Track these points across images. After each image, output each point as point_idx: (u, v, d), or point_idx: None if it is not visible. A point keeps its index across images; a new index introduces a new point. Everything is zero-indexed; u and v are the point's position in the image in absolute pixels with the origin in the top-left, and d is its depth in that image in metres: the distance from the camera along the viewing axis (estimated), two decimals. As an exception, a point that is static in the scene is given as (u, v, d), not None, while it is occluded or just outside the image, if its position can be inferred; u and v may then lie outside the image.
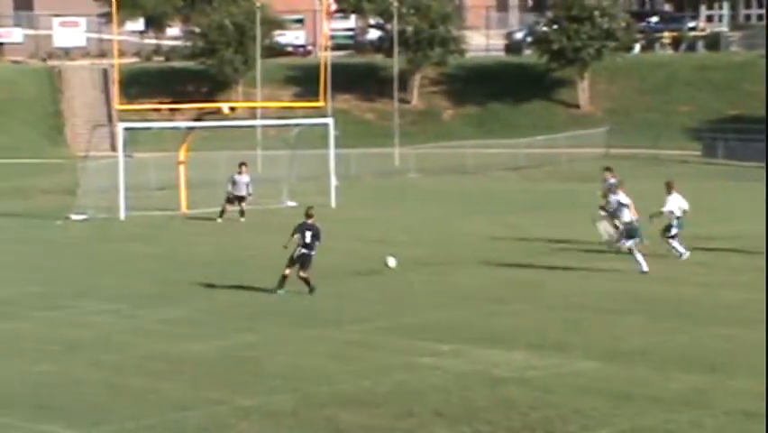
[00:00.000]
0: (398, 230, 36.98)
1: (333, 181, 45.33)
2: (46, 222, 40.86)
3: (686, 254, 29.01)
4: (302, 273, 25.14)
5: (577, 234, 34.69)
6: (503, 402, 16.33)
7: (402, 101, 75.36)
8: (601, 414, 15.77)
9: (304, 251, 25.22)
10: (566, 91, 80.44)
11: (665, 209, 29.42)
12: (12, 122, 76.72)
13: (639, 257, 27.13)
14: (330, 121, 47.07)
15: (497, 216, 39.26)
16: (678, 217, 29.63)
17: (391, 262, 26.75)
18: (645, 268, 26.92)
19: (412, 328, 21.32)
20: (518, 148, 65.31)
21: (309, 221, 25.69)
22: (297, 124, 48.75)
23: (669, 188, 29.90)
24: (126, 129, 45.22)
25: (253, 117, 63.99)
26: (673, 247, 29.38)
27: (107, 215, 41.43)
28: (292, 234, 25.49)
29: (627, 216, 27.86)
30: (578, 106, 79.43)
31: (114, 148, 60.54)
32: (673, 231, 29.47)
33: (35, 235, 37.36)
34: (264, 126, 58.80)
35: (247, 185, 40.26)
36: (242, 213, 40.13)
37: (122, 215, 40.99)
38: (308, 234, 25.42)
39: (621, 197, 28.61)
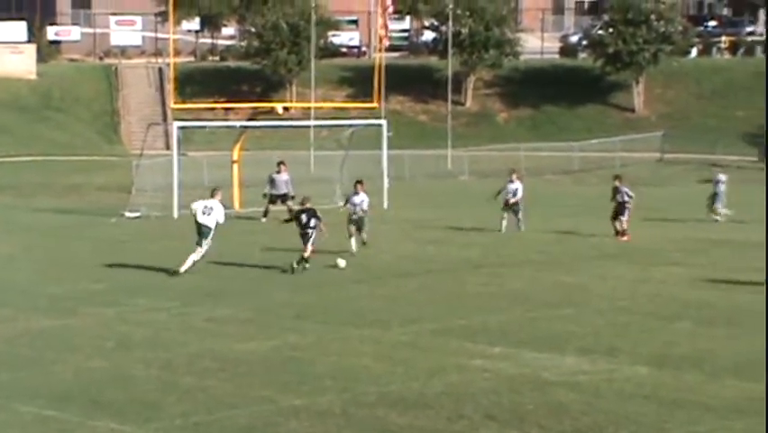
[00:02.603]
0: (450, 231, 36.98)
1: (386, 182, 45.37)
2: (101, 219, 41.19)
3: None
4: (307, 253, 28.49)
5: (626, 242, 34.53)
6: (553, 406, 16.29)
7: (456, 103, 75.32)
8: (652, 420, 15.69)
9: (302, 231, 28.76)
10: (621, 95, 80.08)
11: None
12: (69, 119, 77.41)
13: None
14: (383, 122, 47.11)
15: (549, 220, 39.15)
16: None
17: (341, 263, 28.83)
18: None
19: (462, 330, 21.31)
20: (572, 151, 65.08)
21: (306, 206, 29.26)
22: (350, 125, 48.84)
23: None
24: (181, 128, 45.53)
25: (307, 118, 64.18)
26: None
27: (161, 213, 41.69)
28: (289, 220, 29.91)
29: None
30: (633, 110, 79.05)
31: (168, 146, 60.94)
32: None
33: (90, 232, 37.67)
34: (317, 127, 58.94)
35: (286, 183, 40.01)
36: (265, 213, 39.79)
37: (175, 213, 41.22)
38: (304, 217, 28.93)
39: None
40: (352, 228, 31.53)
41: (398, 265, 29.66)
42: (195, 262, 28.29)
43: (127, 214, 41.94)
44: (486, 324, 21.92)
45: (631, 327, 21.76)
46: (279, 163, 40.49)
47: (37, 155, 66.87)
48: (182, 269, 28.04)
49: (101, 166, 63.72)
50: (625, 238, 34.77)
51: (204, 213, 28.95)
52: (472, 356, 19.15)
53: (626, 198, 35.18)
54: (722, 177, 41.02)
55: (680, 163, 58.77)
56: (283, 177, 39.88)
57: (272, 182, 39.96)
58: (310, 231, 28.70)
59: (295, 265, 28.27)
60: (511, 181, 37.08)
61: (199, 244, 28.58)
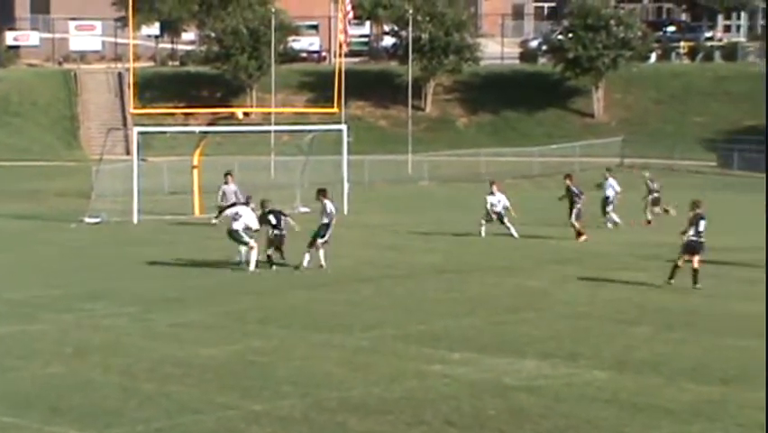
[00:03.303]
0: (411, 237, 37.04)
1: (346, 187, 45.41)
2: (60, 224, 41.02)
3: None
4: (273, 251, 29.59)
5: (586, 244, 34.73)
6: (514, 411, 16.35)
7: (416, 108, 75.47)
8: (612, 424, 15.78)
9: (276, 231, 29.75)
10: (581, 100, 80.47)
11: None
12: (27, 125, 77.00)
13: None
14: (344, 127, 47.16)
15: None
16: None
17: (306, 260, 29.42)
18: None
19: (423, 336, 21.35)
20: (532, 156, 65.34)
21: (268, 208, 30.11)
22: (310, 130, 48.85)
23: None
24: (140, 133, 45.39)
25: (267, 123, 64.12)
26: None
27: (121, 218, 41.57)
28: (260, 224, 29.73)
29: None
30: (592, 116, 79.45)
31: (128, 152, 60.74)
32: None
33: (49, 238, 37.49)
34: (278, 132, 58.91)
35: (235, 193, 38.98)
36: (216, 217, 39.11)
37: (135, 218, 41.11)
38: (272, 217, 29.86)
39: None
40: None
41: (359, 270, 29.69)
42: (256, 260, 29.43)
43: (87, 219, 41.77)
44: (447, 329, 21.97)
45: (591, 331, 21.87)
46: (227, 174, 39.67)
47: (-5, 160, 66.47)
48: (250, 269, 29.18)
49: (60, 171, 63.42)
50: (583, 238, 35.26)
51: (234, 219, 30.01)
52: (432, 362, 19.19)
53: (576, 197, 35.83)
54: (612, 181, 39.89)
55: (639, 168, 59.07)
56: (231, 187, 38.91)
57: (223, 194, 39.10)
58: (283, 231, 29.67)
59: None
60: (491, 193, 36.77)
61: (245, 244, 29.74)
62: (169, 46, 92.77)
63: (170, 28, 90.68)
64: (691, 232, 26.46)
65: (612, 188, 39.89)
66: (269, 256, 29.68)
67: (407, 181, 60.75)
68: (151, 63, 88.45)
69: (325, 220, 29.93)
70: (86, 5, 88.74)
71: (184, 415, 16.18)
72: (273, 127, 59.03)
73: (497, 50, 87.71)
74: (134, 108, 55.91)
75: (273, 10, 75.15)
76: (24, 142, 73.62)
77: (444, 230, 38.22)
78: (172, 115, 71.04)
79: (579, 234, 35.70)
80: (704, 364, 19.08)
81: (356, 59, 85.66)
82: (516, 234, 36.03)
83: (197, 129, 53.43)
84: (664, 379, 18.07)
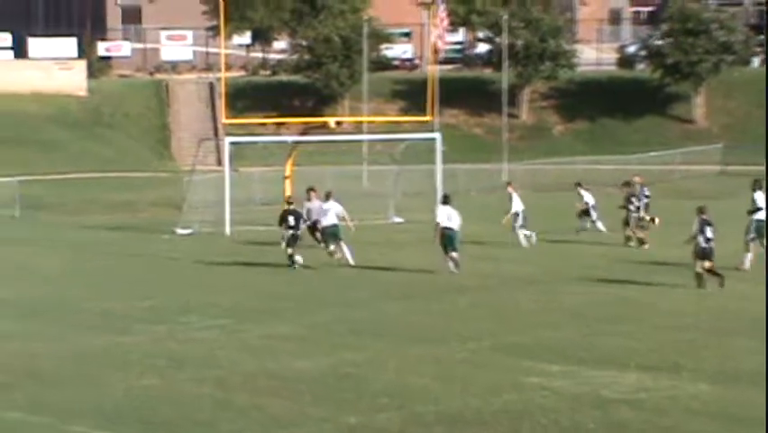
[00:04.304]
0: (506, 247, 36.88)
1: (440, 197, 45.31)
2: (152, 236, 41.44)
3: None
4: (289, 251, 31.64)
5: (687, 253, 34.27)
6: (614, 425, 16.19)
7: (511, 116, 75.16)
8: (715, 438, 15.57)
9: (292, 232, 31.69)
10: (680, 106, 79.61)
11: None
12: (119, 136, 77.98)
13: None
14: (437, 136, 47.08)
15: (607, 234, 38.92)
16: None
17: None
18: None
19: (520, 348, 21.23)
20: (630, 164, 64.71)
21: (291, 207, 32.48)
22: (403, 139, 48.85)
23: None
24: (232, 143, 45.71)
25: (359, 132, 64.24)
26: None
27: (212, 229, 41.89)
28: (279, 224, 32.01)
29: None
30: (692, 122, 78.56)
31: (219, 162, 61.11)
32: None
33: (142, 249, 37.88)
34: (370, 141, 58.99)
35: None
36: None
37: (227, 230, 41.40)
38: (291, 219, 31.88)
39: None
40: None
41: (453, 281, 29.61)
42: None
43: (179, 231, 42.15)
44: (544, 341, 21.83)
45: (695, 342, 21.60)
46: (309, 190, 36.22)
47: (87, 172, 67.39)
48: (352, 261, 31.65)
49: (152, 182, 64.10)
50: (646, 246, 35.90)
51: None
52: (530, 374, 19.07)
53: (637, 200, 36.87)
54: (586, 194, 40.38)
55: (742, 175, 58.18)
56: (315, 204, 35.26)
57: (308, 212, 35.21)
58: (299, 232, 31.85)
59: (296, 266, 31.30)
60: (510, 194, 37.91)
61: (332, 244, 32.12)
62: (260, 55, 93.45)
63: (262, 37, 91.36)
64: (701, 238, 27.50)
65: (588, 197, 40.54)
66: (290, 256, 31.65)
67: (502, 190, 60.44)
68: (243, 73, 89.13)
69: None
70: (177, 15, 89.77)
71: (278, 428, 16.24)
72: (365, 136, 59.12)
73: (593, 56, 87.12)
74: (226, 118, 56.30)
75: (365, 18, 75.40)
76: (116, 154, 74.56)
77: (539, 239, 37.97)
78: (264, 124, 71.43)
79: (641, 241, 36.31)
80: (812, 378, 18.72)
81: (449, 67, 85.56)
82: (533, 241, 36.48)
83: (289, 139, 53.70)
84: (770, 392, 17.78)
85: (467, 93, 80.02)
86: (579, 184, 42.13)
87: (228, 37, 76.04)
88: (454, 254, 30.77)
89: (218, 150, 67.82)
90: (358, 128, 67.32)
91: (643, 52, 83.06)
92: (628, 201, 37.29)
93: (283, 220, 32.05)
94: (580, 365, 19.67)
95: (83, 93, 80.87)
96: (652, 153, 66.59)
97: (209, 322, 24.22)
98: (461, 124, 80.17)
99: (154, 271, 33.11)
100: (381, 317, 24.69)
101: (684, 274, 30.17)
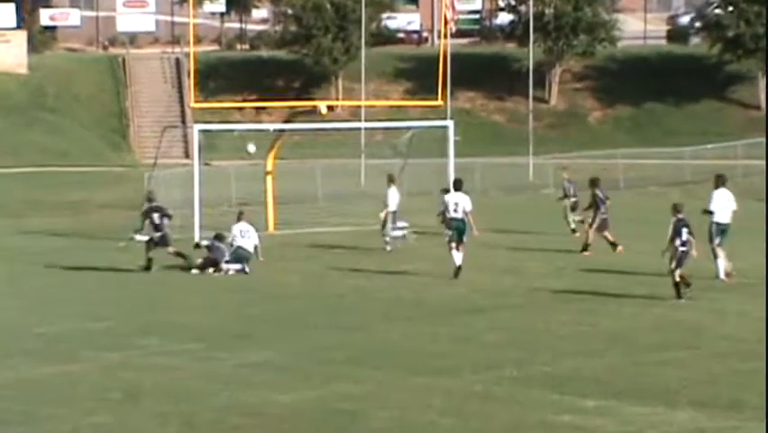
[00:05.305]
0: (532, 257, 36.93)
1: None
2: (105, 243, 41.48)
3: None
4: (170, 250, 34.30)
5: (754, 266, 34.33)
6: (660, 472, 16.23)
7: (538, 100, 75.31)
8: (783, 489, 15.60)
9: (158, 233, 34.31)
10: (743, 88, 79.81)
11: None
12: (66, 122, 78.10)
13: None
14: (449, 123, 47.17)
15: (652, 243, 38.92)
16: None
17: (251, 147, 35.11)
18: None
19: (548, 379, 21.27)
20: (682, 158, 64.85)
21: (154, 204, 34.68)
22: (409, 128, 48.94)
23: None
24: (203, 131, 45.80)
25: (356, 119, 64.37)
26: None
27: (179, 235, 41.92)
28: (142, 222, 34.63)
29: None
30: (758, 107, 78.69)
31: (188, 154, 61.33)
32: None
33: (92, 260, 37.94)
34: (369, 129, 59.10)
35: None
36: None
37: (196, 235, 41.45)
38: (156, 216, 34.34)
39: None
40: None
41: (468, 299, 29.67)
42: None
43: (137, 237, 42.12)
44: (577, 371, 21.88)
45: (758, 373, 21.62)
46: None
47: (27, 166, 67.52)
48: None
49: (106, 179, 64.22)
50: (620, 248, 37.51)
51: (242, 236, 34.03)
52: (560, 411, 19.11)
53: (601, 203, 38.07)
54: (568, 184, 42.77)
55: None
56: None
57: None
58: (164, 231, 34.19)
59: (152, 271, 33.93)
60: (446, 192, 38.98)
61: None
62: (236, 26, 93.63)
63: (239, 4, 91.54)
64: (678, 242, 28.75)
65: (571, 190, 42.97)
66: (149, 259, 34.32)
67: (528, 189, 60.61)
68: (216, 47, 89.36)
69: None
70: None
71: (255, 475, 16.27)
72: (363, 124, 59.22)
73: (639, 28, 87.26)
74: (195, 102, 56.47)
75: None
76: (63, 144, 74.70)
77: (573, 249, 38.04)
78: (241, 109, 71.61)
79: (613, 245, 37.68)
80: None
81: (465, 41, 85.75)
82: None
83: (271, 127, 53.79)
84: None
85: (485, 72, 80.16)
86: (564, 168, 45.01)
87: (198, 4, 76.11)
88: (459, 247, 32.40)
89: (186, 140, 68.11)
90: (354, 114, 67.45)
91: (698, 23, 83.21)
92: (596, 202, 38.23)
93: (146, 218, 34.66)
94: (620, 400, 19.71)
95: (22, 70, 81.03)
96: (709, 146, 66.70)
97: (173, 347, 24.25)
98: (478, 109, 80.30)
99: (107, 287, 33.14)
100: (381, 341, 24.74)
101: (746, 292, 30.21)
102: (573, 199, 43.35)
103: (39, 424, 18.88)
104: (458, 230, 32.58)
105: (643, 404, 19.54)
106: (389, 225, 39.13)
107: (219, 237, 35.22)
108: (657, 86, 79.25)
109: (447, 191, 34.94)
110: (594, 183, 38.88)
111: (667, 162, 64.66)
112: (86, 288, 32.70)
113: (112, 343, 24.73)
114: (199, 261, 34.79)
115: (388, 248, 38.62)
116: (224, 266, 34.14)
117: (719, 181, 33.64)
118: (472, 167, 55.65)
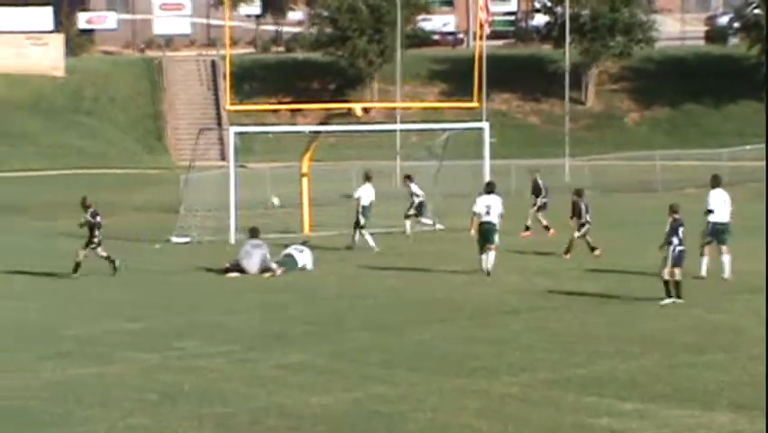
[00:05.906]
0: (567, 259, 36.85)
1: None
2: (141, 246, 41.56)
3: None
4: (102, 253, 34.89)
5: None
6: (698, 475, 16.17)
7: (574, 101, 75.15)
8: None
9: (97, 232, 34.92)
10: (782, 89, 79.33)
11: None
12: (103, 125, 78.34)
13: None
14: (485, 125, 47.11)
15: (687, 246, 38.80)
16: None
17: (275, 201, 36.09)
18: None
19: (584, 381, 21.22)
20: (720, 160, 64.59)
21: (92, 210, 35.26)
22: (444, 129, 48.89)
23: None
24: (238, 134, 45.85)
25: (392, 120, 64.35)
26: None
27: (215, 237, 42.01)
28: (85, 223, 35.14)
29: None
30: (796, 109, 78.29)
31: (223, 157, 61.41)
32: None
33: (128, 262, 37.99)
34: (404, 131, 59.08)
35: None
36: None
37: (232, 238, 41.49)
38: (99, 219, 34.99)
39: None
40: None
41: (504, 301, 29.64)
42: None
43: (174, 239, 42.29)
44: (614, 373, 21.82)
45: (796, 376, 21.52)
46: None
47: (63, 168, 67.74)
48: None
49: (141, 181, 64.38)
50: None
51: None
52: (597, 413, 19.06)
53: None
54: (414, 187, 43.28)
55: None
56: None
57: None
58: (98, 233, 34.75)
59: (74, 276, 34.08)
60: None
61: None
62: (272, 28, 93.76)
63: (274, 7, 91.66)
64: (676, 241, 28.77)
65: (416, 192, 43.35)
66: (77, 263, 34.69)
67: (564, 191, 60.36)
68: (251, 49, 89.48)
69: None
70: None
71: (291, 477, 16.28)
72: (399, 126, 59.20)
73: (676, 28, 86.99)
74: (231, 104, 56.52)
75: (399, -18, 75.41)
76: (99, 147, 74.92)
77: (609, 251, 37.93)
78: (276, 111, 71.70)
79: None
80: None
81: (500, 42, 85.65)
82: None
83: (307, 129, 53.86)
84: None
85: (521, 74, 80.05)
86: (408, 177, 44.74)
87: (234, 7, 76.25)
88: (491, 248, 32.77)
89: (222, 142, 68.15)
90: (390, 116, 67.43)
91: (737, 24, 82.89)
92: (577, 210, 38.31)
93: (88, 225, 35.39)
94: (658, 403, 19.65)
95: (60, 73, 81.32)
96: (747, 147, 66.42)
97: (210, 349, 24.28)
98: (514, 111, 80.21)
99: (144, 288, 33.21)
100: (416, 344, 24.72)
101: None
102: (544, 200, 44.76)
103: (75, 425, 18.93)
104: (486, 233, 32.57)
105: (681, 407, 19.47)
106: (362, 219, 39.54)
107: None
108: (695, 87, 78.99)
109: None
110: (578, 193, 39.13)
111: (704, 164, 64.37)
112: (121, 290, 32.76)
113: (149, 344, 24.79)
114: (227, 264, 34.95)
115: (372, 244, 39.18)
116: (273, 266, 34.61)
117: (715, 182, 33.84)
118: (508, 169, 55.56)
